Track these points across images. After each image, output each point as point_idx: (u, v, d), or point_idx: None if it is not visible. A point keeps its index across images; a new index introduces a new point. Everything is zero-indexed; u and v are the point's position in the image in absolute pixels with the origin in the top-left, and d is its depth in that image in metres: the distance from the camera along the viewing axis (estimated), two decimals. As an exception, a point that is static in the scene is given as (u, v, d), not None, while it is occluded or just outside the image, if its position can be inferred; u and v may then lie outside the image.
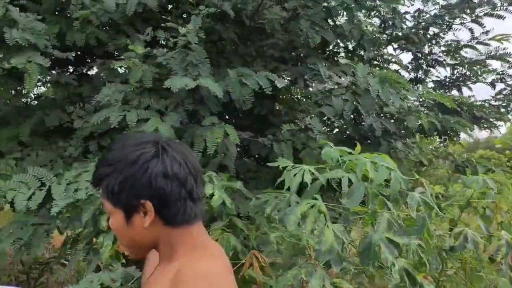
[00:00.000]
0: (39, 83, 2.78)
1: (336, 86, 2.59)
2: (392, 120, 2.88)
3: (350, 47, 3.34)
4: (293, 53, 3.24)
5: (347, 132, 3.12)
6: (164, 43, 2.55)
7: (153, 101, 2.42)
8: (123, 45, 2.74)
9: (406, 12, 3.32)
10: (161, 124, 2.23)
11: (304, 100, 3.39)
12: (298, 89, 3.31)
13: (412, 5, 3.52)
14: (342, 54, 3.38)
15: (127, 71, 2.68)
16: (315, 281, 1.47)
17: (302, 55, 3.20)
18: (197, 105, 2.42)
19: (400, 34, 3.45)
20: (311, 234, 1.48)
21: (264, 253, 2.12)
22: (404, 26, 3.32)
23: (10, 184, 1.85)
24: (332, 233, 1.45)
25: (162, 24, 2.54)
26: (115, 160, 0.88)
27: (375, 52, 3.41)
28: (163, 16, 2.67)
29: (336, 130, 3.28)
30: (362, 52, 3.20)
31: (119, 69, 2.77)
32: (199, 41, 2.34)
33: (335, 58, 3.28)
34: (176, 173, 0.87)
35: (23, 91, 2.60)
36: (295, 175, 1.86)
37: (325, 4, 2.91)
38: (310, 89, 3.46)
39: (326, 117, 2.71)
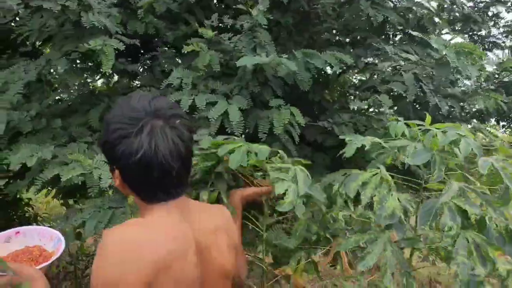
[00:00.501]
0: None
1: (403, 64, 2.53)
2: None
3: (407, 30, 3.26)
4: (348, 38, 3.20)
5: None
6: (228, 27, 2.57)
7: (219, 85, 2.45)
8: (182, 33, 2.79)
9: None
10: (229, 107, 2.26)
11: (358, 83, 3.34)
12: (355, 72, 3.26)
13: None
14: (399, 37, 3.31)
15: (182, 63, 2.75)
16: (377, 248, 1.37)
17: (358, 38, 3.15)
18: (262, 88, 2.43)
19: (458, 15, 3.34)
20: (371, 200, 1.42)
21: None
22: (465, 6, 3.21)
23: (95, 163, 1.92)
24: (395, 200, 1.40)
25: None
26: (107, 122, 0.97)
27: (434, 33, 3.31)
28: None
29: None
30: (421, 34, 3.12)
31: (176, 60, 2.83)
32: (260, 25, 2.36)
33: (394, 40, 3.22)
34: (147, 159, 0.91)
35: (95, 76, 2.70)
36: (354, 144, 1.78)
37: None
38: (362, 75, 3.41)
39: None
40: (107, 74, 2.45)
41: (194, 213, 1.03)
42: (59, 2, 2.01)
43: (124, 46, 2.17)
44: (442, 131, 1.60)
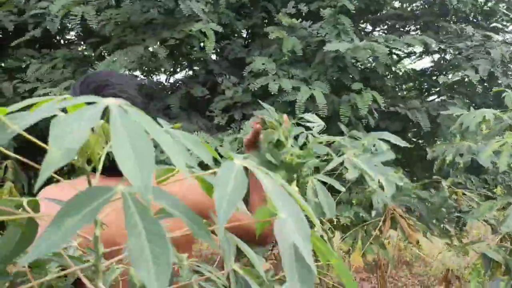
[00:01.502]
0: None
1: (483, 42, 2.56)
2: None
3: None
4: (414, 23, 3.23)
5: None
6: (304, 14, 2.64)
7: (298, 71, 2.53)
8: (259, 21, 2.89)
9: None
10: (314, 91, 2.35)
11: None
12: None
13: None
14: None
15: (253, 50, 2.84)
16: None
17: (424, 23, 3.17)
18: (341, 74, 2.50)
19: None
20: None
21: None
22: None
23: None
24: None
25: None
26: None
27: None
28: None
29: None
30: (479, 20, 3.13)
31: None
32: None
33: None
34: None
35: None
36: (474, 117, 1.87)
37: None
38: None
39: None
40: (209, 53, 2.54)
41: None
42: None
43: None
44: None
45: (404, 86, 3.62)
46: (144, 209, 0.31)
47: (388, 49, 2.35)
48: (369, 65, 2.65)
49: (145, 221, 0.30)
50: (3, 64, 3.12)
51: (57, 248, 0.32)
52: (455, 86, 2.78)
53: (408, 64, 3.88)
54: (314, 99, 2.37)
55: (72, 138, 0.28)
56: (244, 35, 3.21)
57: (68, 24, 2.63)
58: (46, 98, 0.37)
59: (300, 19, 2.69)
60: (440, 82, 2.59)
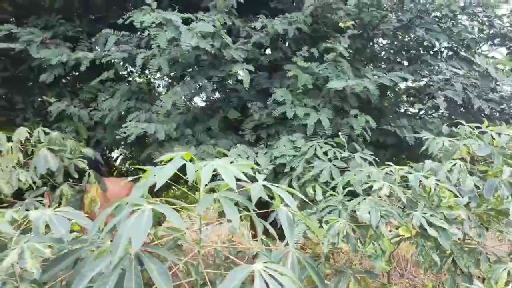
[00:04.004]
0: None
1: (452, 76, 3.31)
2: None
3: (453, 46, 3.98)
4: (404, 56, 3.98)
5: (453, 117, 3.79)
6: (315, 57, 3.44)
7: (308, 100, 3.33)
8: (279, 58, 3.71)
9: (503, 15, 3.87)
10: (321, 117, 3.13)
11: (414, 92, 4.10)
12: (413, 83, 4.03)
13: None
14: (445, 53, 4.04)
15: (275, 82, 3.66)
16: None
17: (413, 55, 3.92)
18: (342, 102, 3.28)
19: (496, 32, 4.02)
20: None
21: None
22: (503, 26, 3.88)
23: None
24: (471, 180, 2.22)
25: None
26: None
27: (475, 49, 4.02)
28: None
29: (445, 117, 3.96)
30: (463, 51, 3.85)
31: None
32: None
33: (442, 56, 3.97)
34: None
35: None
36: (437, 143, 2.64)
37: (436, 13, 3.63)
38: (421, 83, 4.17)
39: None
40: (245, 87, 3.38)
41: None
42: (208, 43, 2.98)
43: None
44: (497, 133, 2.42)
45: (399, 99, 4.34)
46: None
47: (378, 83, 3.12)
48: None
49: None
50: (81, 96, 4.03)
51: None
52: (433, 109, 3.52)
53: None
54: (321, 122, 3.16)
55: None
56: (266, 65, 4.02)
57: (133, 69, 3.52)
58: (172, 155, 1.19)
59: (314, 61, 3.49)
60: (416, 109, 3.33)
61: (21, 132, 2.89)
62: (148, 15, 3.19)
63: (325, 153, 2.90)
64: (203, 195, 1.42)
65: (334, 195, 2.55)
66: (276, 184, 1.47)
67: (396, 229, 2.33)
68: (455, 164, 2.31)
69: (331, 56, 3.20)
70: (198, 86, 3.40)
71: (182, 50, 3.03)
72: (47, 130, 2.99)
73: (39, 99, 4.38)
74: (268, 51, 4.10)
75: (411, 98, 4.22)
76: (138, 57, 3.19)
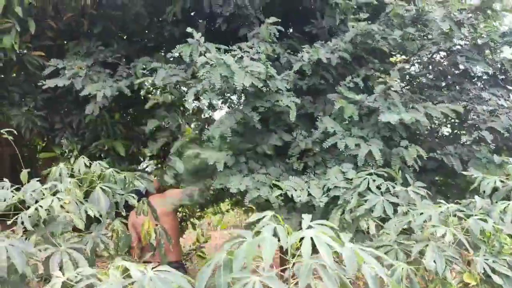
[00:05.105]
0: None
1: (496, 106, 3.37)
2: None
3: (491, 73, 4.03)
4: (443, 82, 4.03)
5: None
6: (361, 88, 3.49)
7: (356, 131, 3.37)
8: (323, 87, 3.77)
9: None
10: (372, 147, 3.18)
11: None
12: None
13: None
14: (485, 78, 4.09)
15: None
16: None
17: (451, 82, 3.97)
18: (391, 132, 3.32)
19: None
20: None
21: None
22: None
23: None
24: None
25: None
26: None
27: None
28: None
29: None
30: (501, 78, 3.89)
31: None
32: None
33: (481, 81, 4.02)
34: None
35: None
36: (488, 183, 2.69)
37: (476, 41, 3.69)
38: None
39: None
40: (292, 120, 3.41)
41: None
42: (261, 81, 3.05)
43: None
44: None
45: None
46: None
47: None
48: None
49: None
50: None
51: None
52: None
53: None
54: (371, 152, 3.20)
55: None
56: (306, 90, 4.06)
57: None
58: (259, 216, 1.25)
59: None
60: (461, 142, 3.38)
61: (80, 164, 2.94)
62: (195, 50, 3.31)
63: (378, 187, 2.95)
64: (305, 263, 1.45)
65: (387, 234, 2.59)
66: (363, 247, 1.49)
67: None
68: (508, 205, 2.35)
69: (380, 88, 3.25)
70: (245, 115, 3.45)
71: (232, 87, 3.12)
72: (100, 162, 3.01)
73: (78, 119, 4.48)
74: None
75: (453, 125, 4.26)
76: (190, 92, 3.26)
